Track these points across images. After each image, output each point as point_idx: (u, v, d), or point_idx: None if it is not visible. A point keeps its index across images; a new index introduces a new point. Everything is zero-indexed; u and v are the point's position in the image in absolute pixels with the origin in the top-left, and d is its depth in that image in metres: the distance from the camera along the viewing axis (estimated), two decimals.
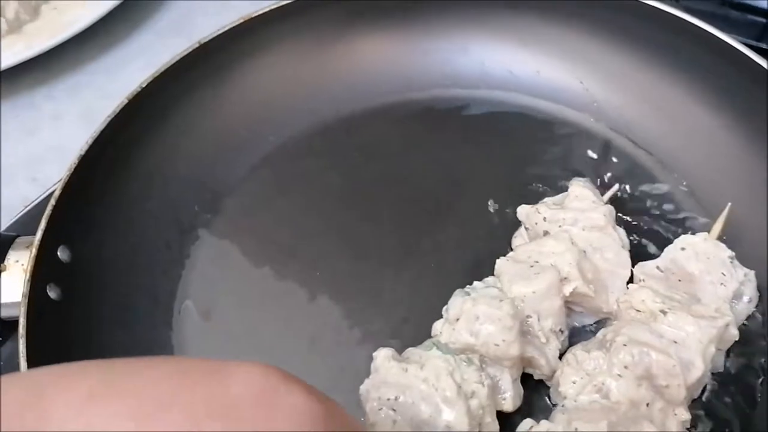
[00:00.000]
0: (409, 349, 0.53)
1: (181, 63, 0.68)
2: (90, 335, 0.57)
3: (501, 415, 0.50)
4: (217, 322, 0.61)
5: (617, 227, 0.57)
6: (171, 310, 0.62)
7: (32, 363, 0.50)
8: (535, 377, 0.53)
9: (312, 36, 0.75)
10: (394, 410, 0.48)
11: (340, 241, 0.65)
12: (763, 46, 0.78)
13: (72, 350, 0.55)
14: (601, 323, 0.56)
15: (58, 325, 0.55)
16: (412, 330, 0.56)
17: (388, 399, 0.48)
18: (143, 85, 0.66)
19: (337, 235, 0.66)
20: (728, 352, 0.54)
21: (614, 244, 0.56)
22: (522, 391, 0.52)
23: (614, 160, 0.68)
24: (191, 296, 0.63)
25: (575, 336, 0.56)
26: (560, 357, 0.52)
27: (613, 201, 0.62)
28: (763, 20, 0.84)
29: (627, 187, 0.65)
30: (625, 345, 0.48)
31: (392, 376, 0.49)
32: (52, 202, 0.57)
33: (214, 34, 0.70)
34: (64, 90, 0.84)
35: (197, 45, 0.69)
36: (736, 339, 0.52)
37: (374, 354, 0.52)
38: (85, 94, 0.84)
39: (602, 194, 0.61)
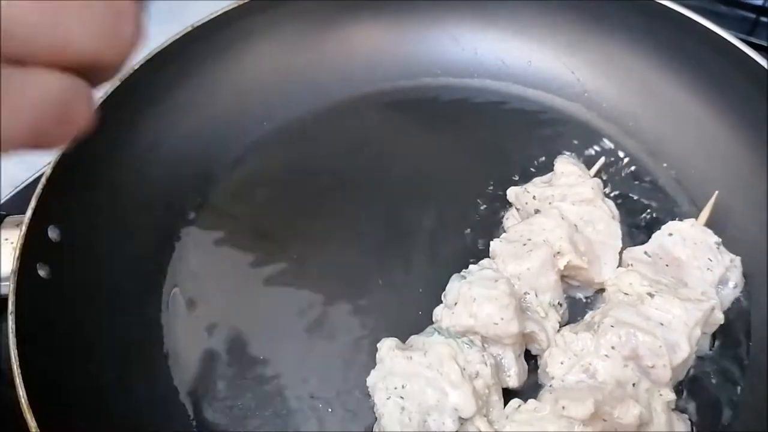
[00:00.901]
0: (412, 336, 0.53)
1: (174, 46, 0.68)
2: (79, 314, 0.57)
3: (507, 392, 0.51)
4: (207, 306, 0.61)
5: (606, 199, 0.58)
6: (160, 293, 0.62)
7: (22, 340, 0.50)
8: (533, 352, 0.54)
9: (305, 23, 0.75)
10: (402, 398, 0.48)
11: (331, 227, 0.65)
12: (754, 40, 0.79)
13: (61, 328, 0.55)
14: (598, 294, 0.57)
15: (48, 303, 0.55)
16: (413, 317, 0.56)
17: (395, 388, 0.49)
18: (135, 67, 0.66)
19: (329, 220, 0.66)
20: (714, 336, 0.54)
21: (604, 216, 0.57)
22: (526, 366, 0.53)
23: (605, 149, 0.68)
24: (180, 280, 0.62)
25: (575, 308, 0.57)
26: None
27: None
28: (753, 15, 0.85)
29: (616, 175, 0.66)
30: (612, 326, 0.48)
31: (398, 366, 0.50)
32: (43, 181, 0.57)
33: (208, 19, 0.70)
34: None
35: (190, 28, 0.69)
36: (722, 322, 0.52)
37: (378, 345, 0.52)
38: None
39: None
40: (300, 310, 0.60)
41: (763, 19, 0.84)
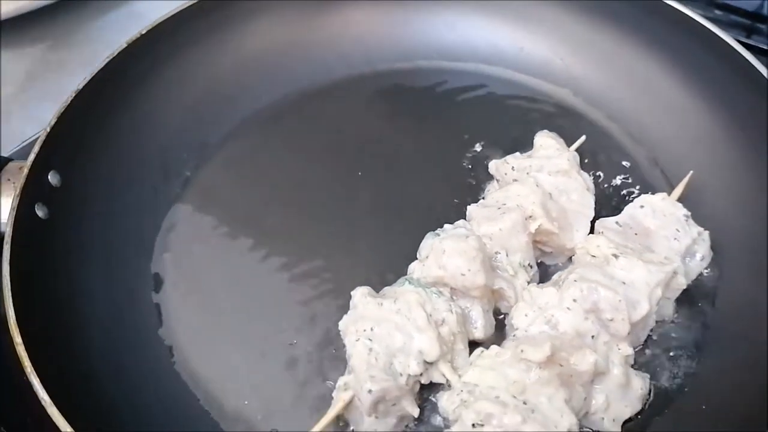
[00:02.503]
0: (386, 287, 0.56)
1: (181, 15, 0.72)
2: (73, 255, 0.60)
3: (475, 345, 0.53)
4: (197, 263, 0.64)
5: (582, 172, 0.60)
6: (152, 245, 0.65)
7: (15, 270, 0.52)
8: (503, 310, 0.56)
9: (305, 2, 0.78)
10: (370, 340, 0.50)
11: (320, 197, 0.68)
12: (744, 39, 0.81)
13: (55, 265, 0.58)
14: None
15: (44, 242, 0.57)
16: (390, 278, 0.58)
17: (365, 330, 0.51)
18: (143, 32, 0.69)
19: (318, 191, 0.68)
20: (677, 303, 0.56)
21: (579, 187, 0.59)
22: (494, 321, 0.55)
23: (589, 131, 0.70)
24: (171, 240, 0.65)
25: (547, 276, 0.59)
26: None
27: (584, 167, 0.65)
28: (748, 21, 0.87)
29: (598, 156, 0.68)
30: (575, 281, 0.51)
31: (369, 311, 0.52)
32: (47, 129, 0.60)
33: None
34: (68, 42, 0.88)
35: (195, 0, 0.72)
36: (684, 287, 0.54)
37: (352, 292, 0.55)
38: (89, 46, 0.87)
39: None
40: (290, 268, 0.63)
41: (760, 25, 0.86)
